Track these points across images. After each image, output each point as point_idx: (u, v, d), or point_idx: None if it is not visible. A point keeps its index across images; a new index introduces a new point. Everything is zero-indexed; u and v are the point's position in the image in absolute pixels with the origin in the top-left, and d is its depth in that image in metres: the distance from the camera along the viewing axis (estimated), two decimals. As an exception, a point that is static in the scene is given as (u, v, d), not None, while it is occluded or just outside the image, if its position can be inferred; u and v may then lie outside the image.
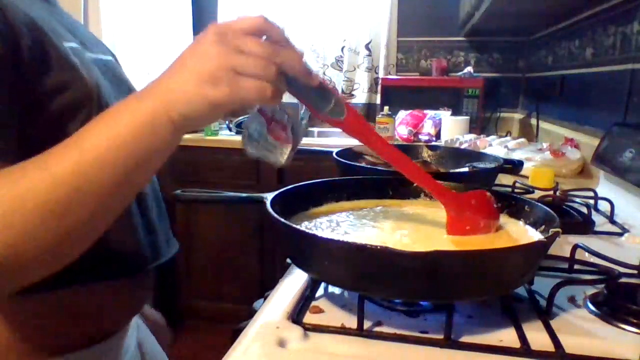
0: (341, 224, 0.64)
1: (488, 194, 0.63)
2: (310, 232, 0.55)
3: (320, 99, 0.50)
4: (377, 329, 0.50)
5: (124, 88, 0.71)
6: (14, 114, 0.49)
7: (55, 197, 0.42)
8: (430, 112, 2.28)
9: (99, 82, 0.60)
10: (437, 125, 2.23)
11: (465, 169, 1.02)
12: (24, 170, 0.43)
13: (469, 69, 2.50)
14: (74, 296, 0.59)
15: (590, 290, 0.58)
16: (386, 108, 2.31)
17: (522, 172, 1.09)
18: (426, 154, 1.13)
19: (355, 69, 2.77)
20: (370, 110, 2.76)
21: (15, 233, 0.42)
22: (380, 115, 2.28)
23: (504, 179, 1.14)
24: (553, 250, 0.57)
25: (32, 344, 0.58)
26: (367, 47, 2.72)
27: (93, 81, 0.58)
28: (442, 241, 0.59)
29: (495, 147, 1.57)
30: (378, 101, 2.67)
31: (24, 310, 0.56)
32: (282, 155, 0.50)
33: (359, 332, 0.49)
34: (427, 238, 0.60)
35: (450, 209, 0.61)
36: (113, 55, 0.74)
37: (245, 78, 0.42)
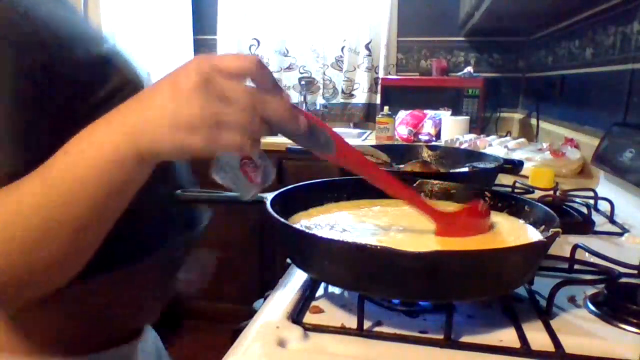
0: (340, 223, 0.64)
1: (480, 204, 0.62)
2: (310, 232, 0.55)
3: (309, 138, 0.48)
4: (377, 329, 0.50)
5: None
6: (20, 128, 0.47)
7: (25, 231, 0.42)
8: (430, 112, 2.28)
9: (139, 72, 0.60)
10: (437, 125, 2.23)
11: (465, 169, 1.02)
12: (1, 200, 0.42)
13: (469, 69, 2.50)
14: (100, 289, 0.57)
15: (590, 290, 0.58)
16: (386, 108, 2.30)
17: (522, 172, 1.09)
18: (426, 154, 1.13)
19: (355, 69, 2.77)
20: (370, 110, 2.77)
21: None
22: (380, 115, 2.28)
23: (504, 179, 1.14)
24: (553, 250, 0.57)
25: (49, 343, 0.57)
26: (367, 47, 2.72)
27: (134, 74, 0.59)
28: (439, 239, 0.59)
29: (495, 147, 1.57)
30: (378, 101, 2.67)
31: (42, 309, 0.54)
32: (248, 193, 0.49)
33: (359, 332, 0.49)
34: (424, 236, 0.60)
35: (442, 225, 0.60)
36: None
37: (225, 131, 0.39)
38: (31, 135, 0.47)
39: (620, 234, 0.83)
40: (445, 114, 2.26)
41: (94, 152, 0.42)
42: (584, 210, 0.89)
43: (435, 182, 0.74)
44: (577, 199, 0.96)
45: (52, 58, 0.49)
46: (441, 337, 0.47)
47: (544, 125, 2.05)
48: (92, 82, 0.53)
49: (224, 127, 0.39)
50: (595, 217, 0.91)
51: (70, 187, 0.42)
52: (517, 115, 2.58)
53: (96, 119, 0.44)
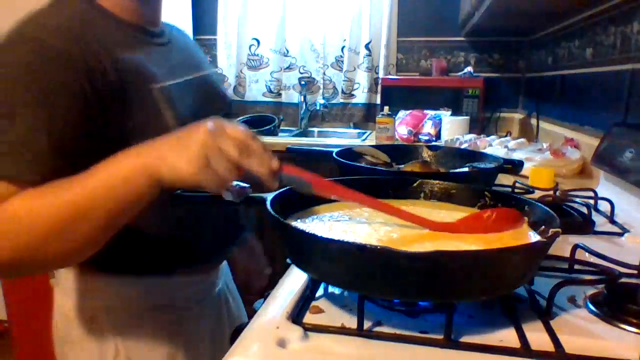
0: (339, 223, 0.64)
1: (487, 212, 0.62)
2: (310, 232, 0.55)
3: (288, 184, 0.61)
4: (377, 329, 0.50)
5: (219, 102, 0.87)
6: (62, 147, 0.61)
7: (58, 220, 0.55)
8: (430, 112, 2.28)
9: (182, 114, 0.73)
10: (437, 125, 2.23)
11: (465, 169, 1.02)
12: (44, 194, 0.56)
13: (469, 69, 2.51)
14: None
15: (590, 290, 0.58)
16: (386, 108, 2.30)
17: (522, 172, 1.09)
18: (426, 154, 1.13)
19: (355, 69, 2.77)
20: (370, 110, 2.76)
21: (28, 240, 0.55)
22: (380, 115, 2.28)
23: (504, 179, 1.14)
24: (553, 250, 0.57)
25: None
26: (367, 47, 2.72)
27: (172, 118, 0.71)
28: (439, 240, 0.58)
29: (495, 147, 1.57)
30: (378, 101, 2.67)
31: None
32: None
33: (359, 332, 0.49)
34: (424, 235, 0.60)
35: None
36: (214, 68, 0.88)
37: (212, 171, 0.53)
38: (69, 149, 0.61)
39: (620, 234, 0.83)
40: (445, 114, 2.26)
41: (116, 170, 0.56)
42: (584, 210, 0.89)
43: (435, 182, 0.74)
44: (577, 199, 0.96)
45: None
46: (441, 337, 0.47)
47: (544, 125, 2.05)
48: (119, 115, 0.67)
49: (213, 168, 0.53)
50: (595, 217, 0.91)
51: (93, 193, 0.56)
52: (517, 115, 2.59)
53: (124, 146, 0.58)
